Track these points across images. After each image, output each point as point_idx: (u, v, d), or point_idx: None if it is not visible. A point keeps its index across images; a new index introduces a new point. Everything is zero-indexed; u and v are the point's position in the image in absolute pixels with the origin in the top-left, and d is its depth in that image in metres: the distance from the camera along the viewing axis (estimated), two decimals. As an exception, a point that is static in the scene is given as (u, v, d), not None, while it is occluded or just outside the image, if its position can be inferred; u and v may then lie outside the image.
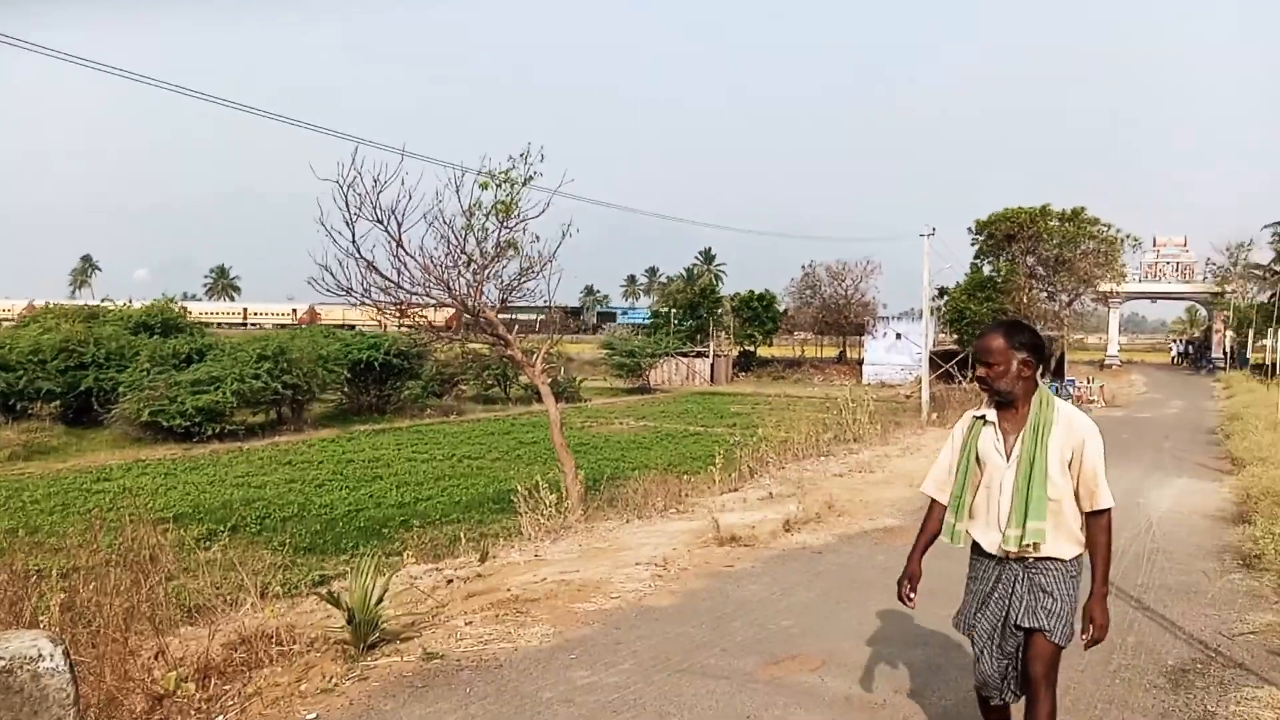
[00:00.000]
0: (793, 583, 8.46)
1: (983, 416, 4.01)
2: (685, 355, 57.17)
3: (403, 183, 12.54)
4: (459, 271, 13.33)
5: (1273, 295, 49.02)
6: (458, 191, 13.07)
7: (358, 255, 12.78)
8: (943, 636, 6.54)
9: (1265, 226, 56.69)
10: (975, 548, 4.09)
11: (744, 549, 9.76)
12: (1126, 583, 8.52)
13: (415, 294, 13.46)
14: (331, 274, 12.86)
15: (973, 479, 4.01)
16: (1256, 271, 58.41)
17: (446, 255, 13.23)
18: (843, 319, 60.49)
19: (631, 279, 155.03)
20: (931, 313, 39.06)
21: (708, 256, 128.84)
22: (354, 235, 12.65)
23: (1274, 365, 37.18)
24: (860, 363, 58.32)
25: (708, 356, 57.56)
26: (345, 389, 38.11)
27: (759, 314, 61.68)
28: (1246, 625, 7.18)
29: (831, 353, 66.94)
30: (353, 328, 50.84)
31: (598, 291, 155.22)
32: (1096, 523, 3.83)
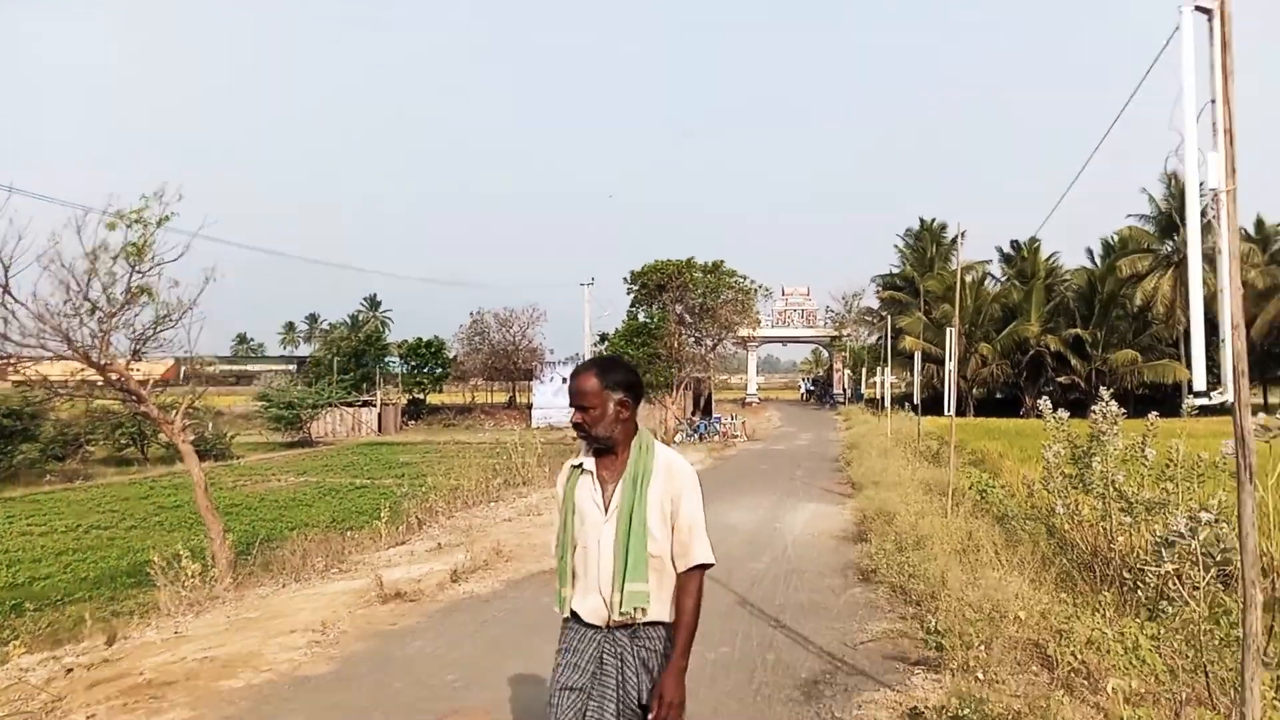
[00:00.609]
0: (459, 635, 8.36)
1: (580, 465, 3.50)
2: (351, 405, 55.00)
3: (11, 222, 11.02)
4: (80, 320, 11.88)
5: (880, 338, 56.36)
6: (79, 232, 11.69)
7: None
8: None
9: (873, 278, 65.39)
10: (574, 615, 3.51)
11: (409, 604, 9.51)
12: (767, 603, 9.32)
13: (26, 345, 11.81)
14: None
15: (572, 536, 3.50)
16: (867, 317, 67.13)
17: (66, 302, 11.75)
18: (511, 365, 61.41)
19: (290, 326, 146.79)
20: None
21: (373, 303, 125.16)
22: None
23: (883, 399, 42.63)
24: (529, 407, 59.32)
25: (375, 405, 55.78)
26: (-65, 457, 32.54)
27: (428, 361, 60.94)
28: (866, 634, 8.11)
29: (502, 398, 67.54)
30: (-55, 384, 43.59)
31: (251, 340, 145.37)
32: (688, 582, 3.37)
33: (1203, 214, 3.48)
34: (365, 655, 7.73)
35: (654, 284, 37.97)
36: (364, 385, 58.23)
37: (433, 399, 64.51)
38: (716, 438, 36.47)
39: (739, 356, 71.87)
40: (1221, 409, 3.67)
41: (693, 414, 42.67)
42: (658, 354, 36.94)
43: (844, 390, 73.21)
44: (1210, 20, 3.34)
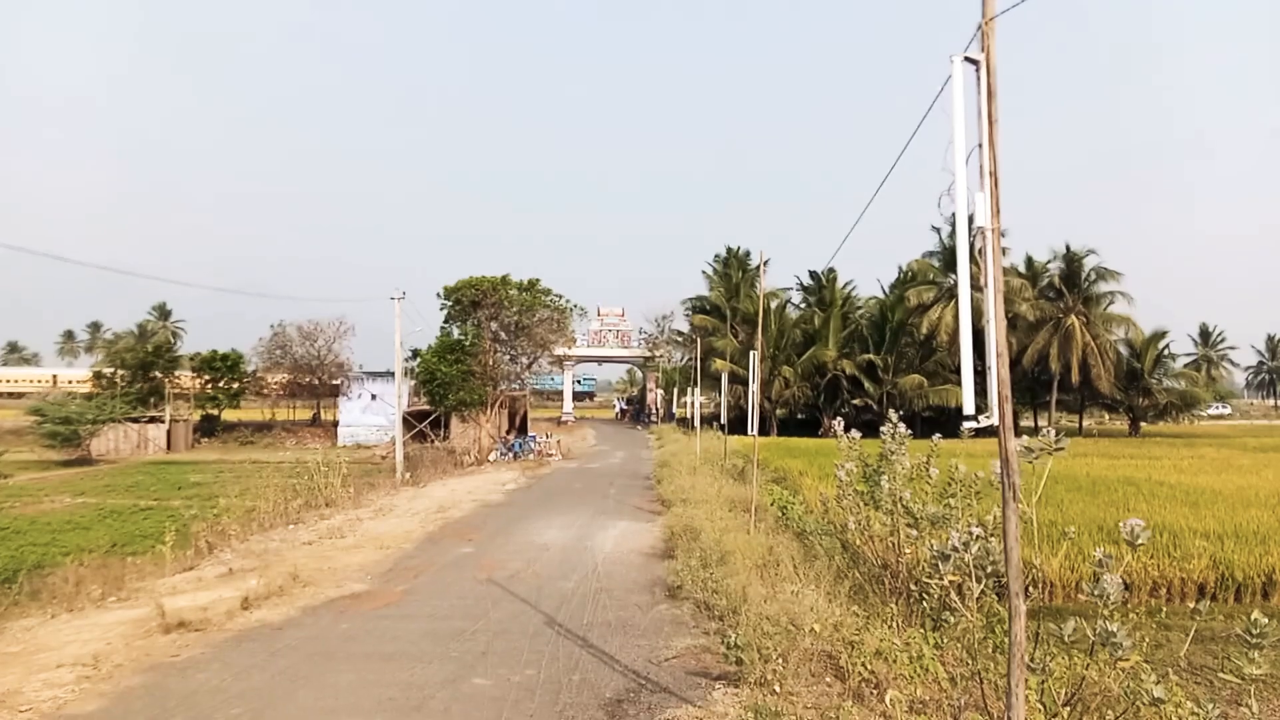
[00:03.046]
0: (248, 665, 7.88)
1: None
2: (136, 421, 51.08)
3: None
4: None
5: (689, 359, 57.78)
6: None
7: None
8: (403, 700, 6.54)
9: (683, 301, 66.98)
10: None
11: (194, 634, 8.90)
12: (575, 622, 9.31)
13: None
14: None
15: None
16: (678, 339, 68.66)
17: None
18: (316, 380, 58.86)
19: (70, 334, 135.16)
20: (405, 374, 39.65)
21: (163, 312, 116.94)
22: None
23: (693, 419, 43.70)
24: (336, 424, 57.02)
25: (164, 422, 52.06)
26: None
27: (224, 375, 57.46)
28: (671, 651, 8.23)
29: (305, 415, 64.51)
30: None
31: (24, 349, 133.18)
32: None
33: (972, 249, 3.75)
34: (141, 690, 7.16)
35: (469, 300, 37.40)
36: (152, 400, 54.25)
37: (229, 415, 60.80)
38: (531, 456, 36.28)
39: (555, 375, 71.87)
40: (990, 431, 3.95)
41: (508, 432, 42.32)
42: (472, 371, 36.41)
43: (657, 410, 74.64)
44: (978, 71, 3.61)
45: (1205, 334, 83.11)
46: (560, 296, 39.86)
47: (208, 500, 22.30)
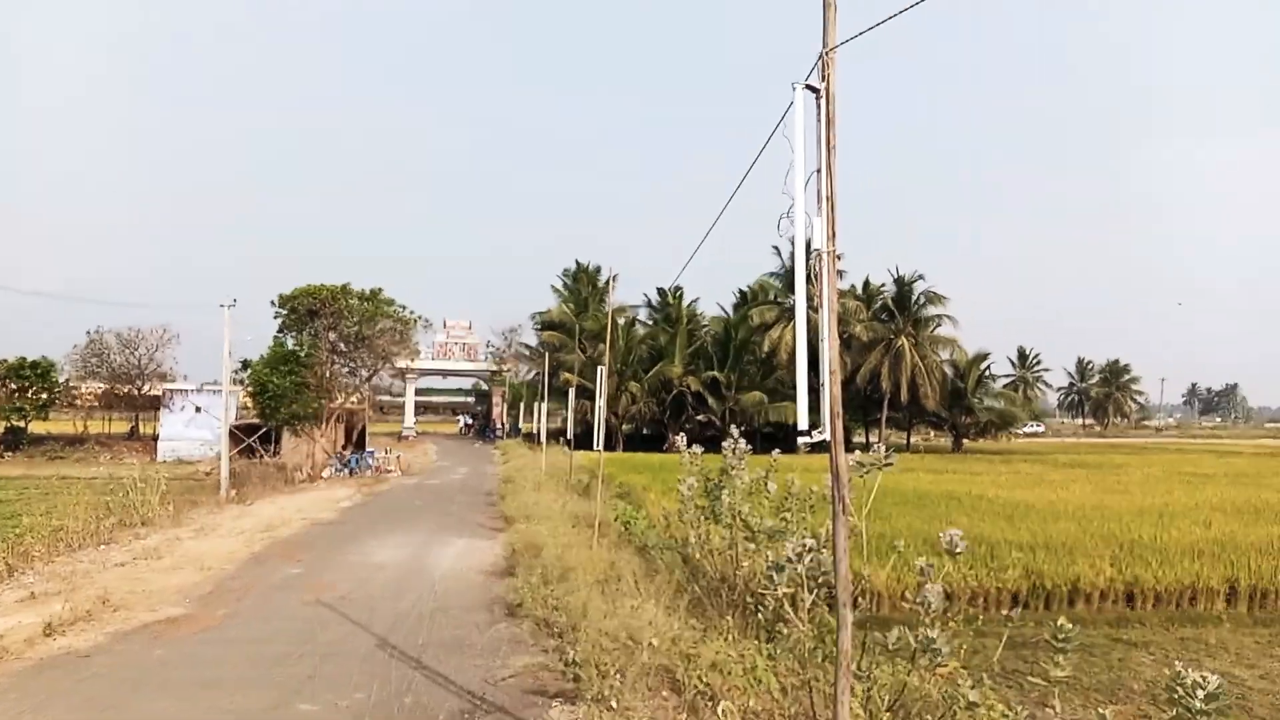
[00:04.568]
0: (49, 696, 7.28)
1: None
2: (-76, 433, 46.57)
3: None
4: None
5: (537, 374, 57.49)
6: None
7: None
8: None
9: (532, 315, 66.64)
10: None
11: (-12, 666, 8.12)
12: (409, 644, 9.03)
13: None
14: None
15: None
16: (525, 353, 68.15)
17: None
18: (135, 391, 55.24)
19: None
20: (234, 385, 37.72)
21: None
22: None
23: (539, 434, 43.45)
24: (155, 438, 53.61)
25: (-44, 435, 47.65)
26: None
27: (33, 384, 53.05)
28: (508, 670, 8.09)
29: (123, 428, 60.37)
30: None
31: None
32: None
33: (811, 271, 3.85)
34: (-85, 734, 6.48)
35: (305, 309, 35.94)
36: (-54, 411, 49.62)
37: (37, 427, 56.25)
38: (369, 473, 35.16)
39: (396, 388, 70.03)
40: (825, 446, 4.06)
41: (344, 448, 40.87)
42: (306, 383, 34.97)
43: (503, 425, 73.83)
44: (819, 99, 3.73)
45: (1023, 356, 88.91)
46: (404, 307, 38.88)
47: (9, 519, 20.48)
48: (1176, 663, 3.95)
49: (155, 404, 54.75)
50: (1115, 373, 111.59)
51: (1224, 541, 16.10)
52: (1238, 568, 14.29)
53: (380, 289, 38.03)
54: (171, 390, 53.07)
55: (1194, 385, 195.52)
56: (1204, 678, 3.56)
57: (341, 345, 37.45)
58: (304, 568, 13.88)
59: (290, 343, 36.68)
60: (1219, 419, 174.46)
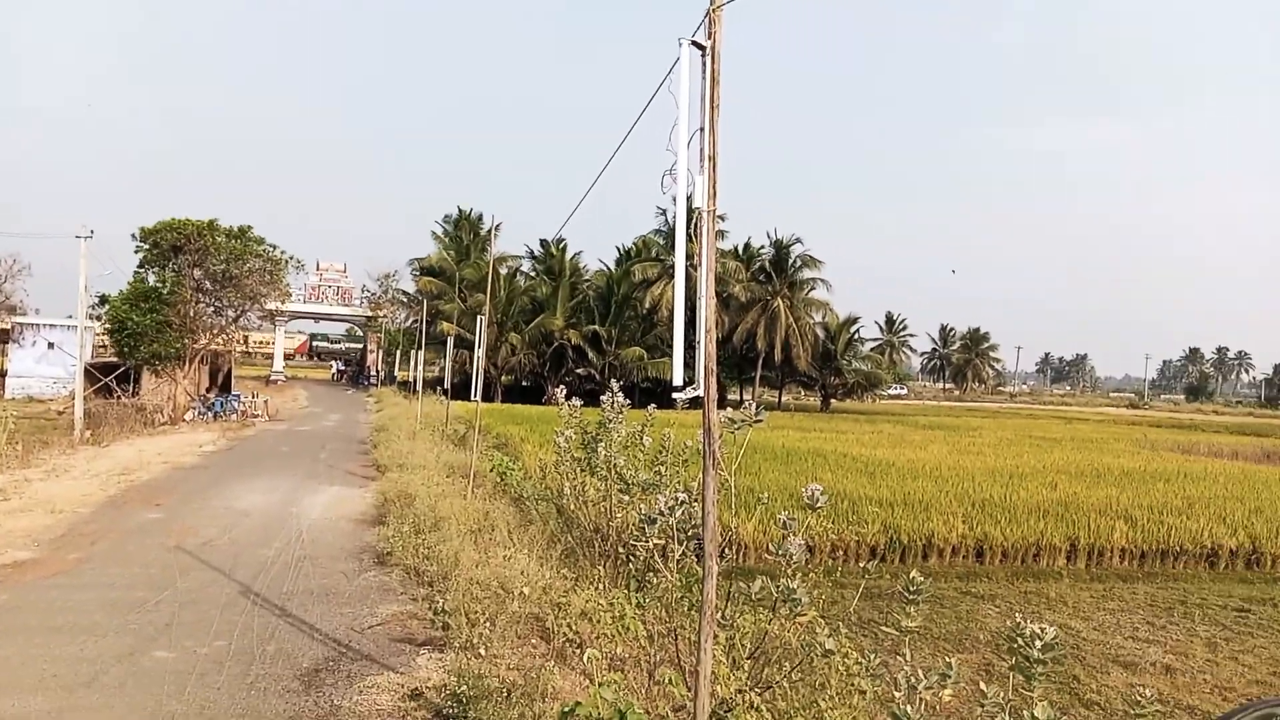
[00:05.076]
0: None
1: None
2: None
3: None
4: None
5: (414, 321, 56.38)
6: None
7: None
8: (70, 676, 5.93)
9: (410, 260, 65.13)
10: None
11: None
12: (274, 592, 8.84)
13: None
14: None
15: None
16: (403, 299, 66.62)
17: None
18: (-21, 324, 51.69)
19: None
20: (91, 321, 35.64)
21: None
22: None
23: (415, 382, 42.68)
24: (3, 374, 50.35)
25: None
26: None
27: None
28: (376, 618, 8.02)
29: (-37, 363, 56.52)
30: None
31: None
32: None
33: (691, 229, 3.90)
34: None
35: (169, 244, 34.09)
36: None
37: None
38: (234, 417, 33.93)
39: (265, 330, 67.55)
40: (699, 402, 4.15)
41: (209, 390, 39.27)
42: (169, 322, 33.31)
43: (378, 372, 72.22)
44: (704, 56, 3.75)
45: (890, 321, 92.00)
46: (275, 247, 37.32)
47: None
48: (1018, 614, 4.23)
49: (4, 338, 51.33)
50: (975, 340, 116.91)
51: (1067, 502, 17.22)
52: (1078, 527, 15.31)
53: (249, 227, 36.40)
54: (21, 324, 49.87)
55: (1047, 355, 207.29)
56: (1041, 629, 3.81)
57: (207, 284, 35.80)
58: (164, 513, 13.37)
59: (152, 279, 34.85)
60: (1069, 387, 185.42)
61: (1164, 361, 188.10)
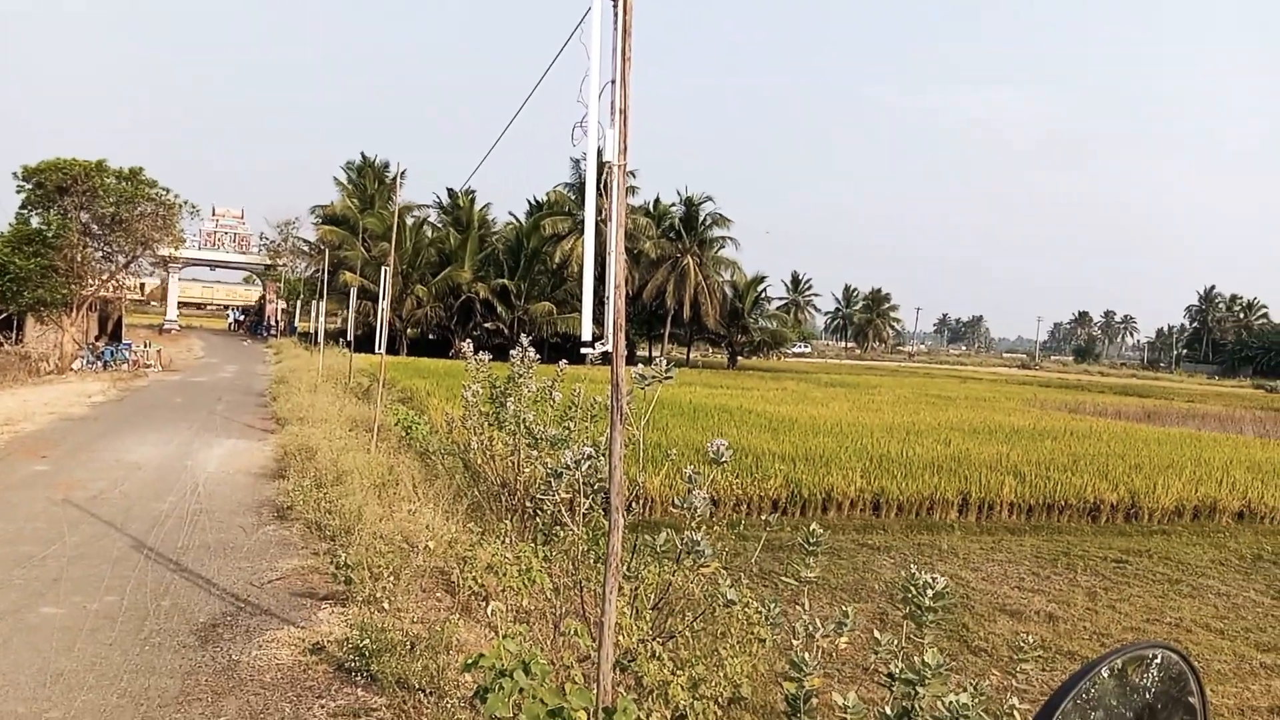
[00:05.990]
0: None
1: None
2: None
3: None
4: None
5: (316, 271, 54.82)
6: None
7: None
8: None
9: (312, 208, 63.12)
10: None
11: None
12: (168, 546, 8.61)
13: None
14: None
15: None
16: (304, 248, 64.66)
17: None
18: None
19: None
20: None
21: None
22: None
23: (317, 333, 41.66)
24: None
25: None
26: None
27: None
28: (276, 572, 7.89)
29: None
30: None
31: None
32: None
33: (601, 183, 3.88)
34: None
35: (54, 185, 32.36)
36: None
37: None
38: (125, 367, 32.62)
39: (159, 277, 64.86)
40: (608, 358, 4.16)
41: (98, 339, 37.64)
42: (55, 267, 31.72)
43: (277, 323, 70.16)
44: (616, 7, 3.71)
45: (796, 281, 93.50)
46: (167, 190, 35.75)
47: None
48: (912, 565, 4.39)
49: None
50: (877, 300, 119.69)
51: (959, 458, 17.89)
52: (970, 482, 15.93)
53: (141, 169, 34.75)
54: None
55: (944, 316, 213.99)
56: (933, 579, 3.98)
57: (95, 228, 34.15)
58: (51, 465, 12.83)
59: (36, 221, 33.08)
60: (964, 347, 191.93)
61: (1055, 324, 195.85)
